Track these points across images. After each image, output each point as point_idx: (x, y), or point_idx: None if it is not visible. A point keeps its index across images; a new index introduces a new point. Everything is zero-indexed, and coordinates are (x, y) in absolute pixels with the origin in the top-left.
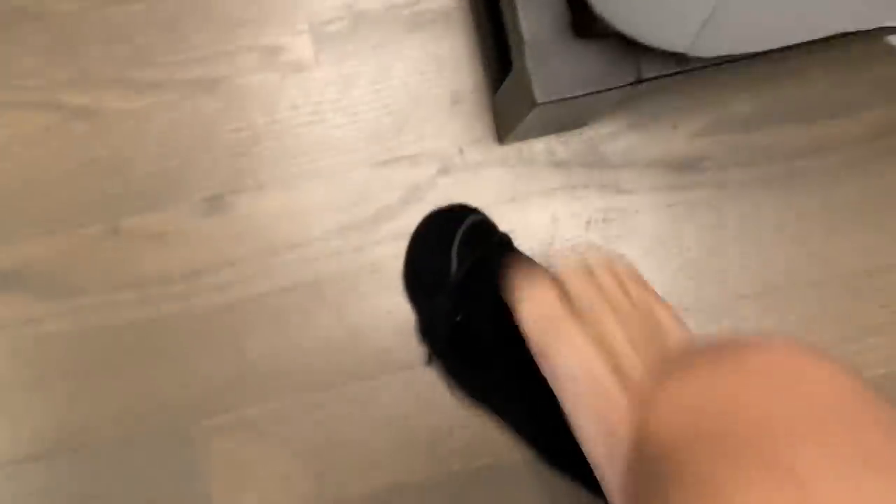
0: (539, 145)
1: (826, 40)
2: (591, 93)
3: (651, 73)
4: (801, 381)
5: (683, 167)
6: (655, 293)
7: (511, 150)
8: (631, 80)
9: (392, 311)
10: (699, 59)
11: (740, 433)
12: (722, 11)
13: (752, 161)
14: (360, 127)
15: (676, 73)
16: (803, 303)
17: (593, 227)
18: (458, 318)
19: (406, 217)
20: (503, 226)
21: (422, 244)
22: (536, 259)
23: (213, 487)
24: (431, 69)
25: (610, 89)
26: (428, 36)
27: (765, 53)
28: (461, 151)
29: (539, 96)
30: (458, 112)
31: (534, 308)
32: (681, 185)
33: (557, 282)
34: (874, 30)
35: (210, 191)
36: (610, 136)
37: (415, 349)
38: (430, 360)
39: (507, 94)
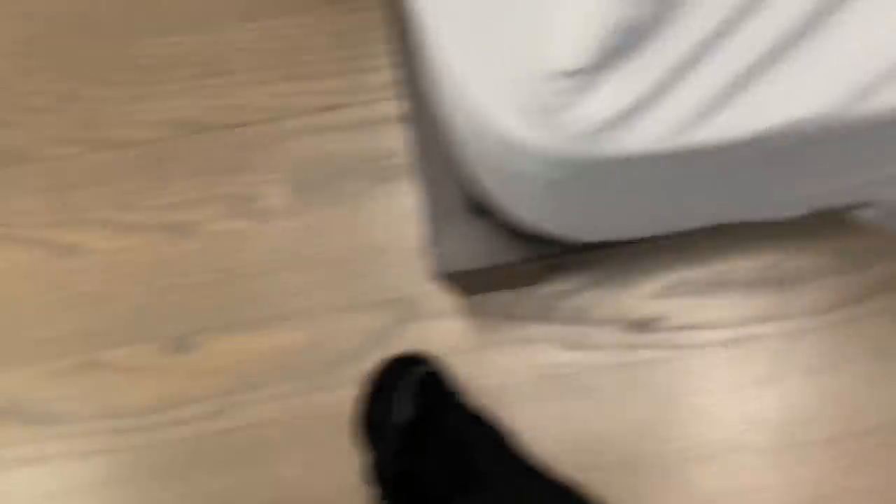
0: (496, 298)
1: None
2: (492, 266)
3: (541, 251)
4: None
5: (638, 326)
6: None
7: (473, 301)
8: (519, 258)
9: (350, 454)
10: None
11: None
12: (559, 213)
13: (707, 324)
14: (325, 273)
15: (569, 252)
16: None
17: (546, 382)
18: (403, 467)
19: (366, 362)
20: (458, 374)
21: (373, 391)
22: None
23: None
24: (398, 221)
25: (512, 264)
26: (395, 188)
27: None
28: (421, 301)
29: (439, 269)
30: (420, 263)
31: None
32: (635, 344)
33: None
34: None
35: (180, 329)
36: (565, 294)
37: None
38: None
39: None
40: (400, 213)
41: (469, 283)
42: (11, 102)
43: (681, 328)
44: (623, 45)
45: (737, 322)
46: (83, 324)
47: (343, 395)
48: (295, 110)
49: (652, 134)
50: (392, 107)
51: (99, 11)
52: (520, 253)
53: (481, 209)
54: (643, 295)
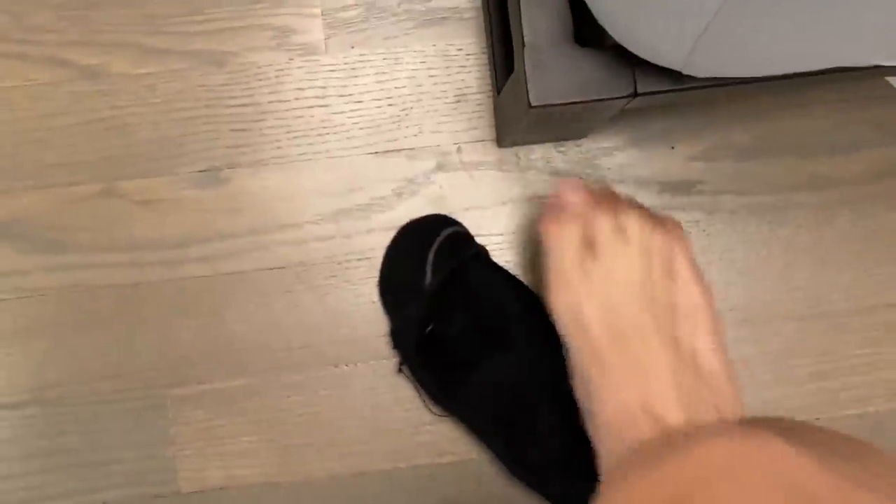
0: (537, 152)
1: (826, 75)
2: (586, 101)
3: (646, 88)
4: (748, 473)
5: (677, 188)
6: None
7: (509, 153)
8: (626, 93)
9: (376, 301)
10: (694, 78)
11: None
12: (715, 31)
13: (746, 189)
14: (361, 115)
15: (671, 91)
16: (783, 336)
17: None
18: (429, 329)
19: (398, 209)
20: (492, 229)
21: (398, 252)
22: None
23: (178, 454)
24: (438, 66)
25: (604, 99)
26: (438, 33)
27: (762, 80)
28: (459, 150)
29: (534, 99)
30: (461, 111)
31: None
32: (673, 206)
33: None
34: (872, 68)
35: (207, 163)
36: (608, 151)
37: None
38: (400, 368)
39: (507, 96)
40: (442, 59)
41: (527, 127)
42: None
43: (720, 192)
44: None
45: (776, 189)
46: (101, 151)
47: (373, 241)
48: None
49: None
50: None
51: None
52: (623, 88)
53: (585, 41)
54: (685, 157)
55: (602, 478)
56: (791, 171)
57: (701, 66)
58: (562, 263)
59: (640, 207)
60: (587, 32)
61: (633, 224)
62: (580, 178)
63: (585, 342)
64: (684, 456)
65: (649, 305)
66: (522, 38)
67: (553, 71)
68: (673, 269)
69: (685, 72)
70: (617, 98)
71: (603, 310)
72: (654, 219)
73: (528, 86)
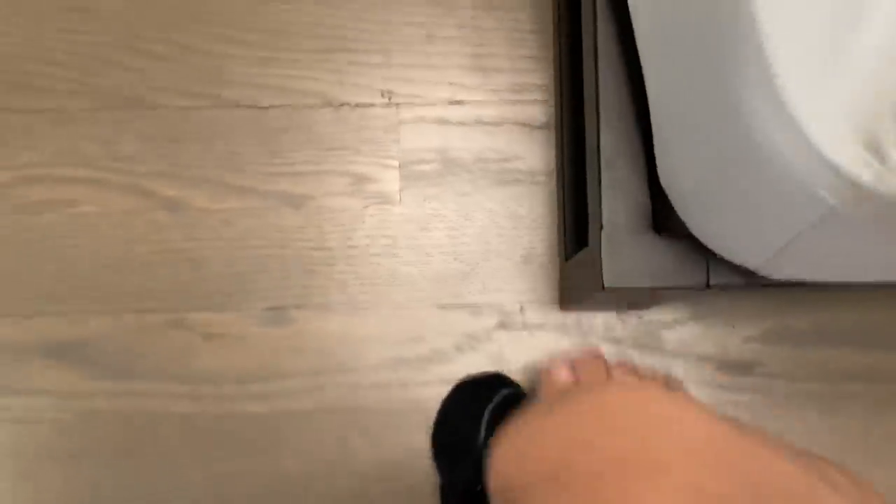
0: (599, 318)
1: None
2: (659, 288)
3: (719, 280)
4: (632, 417)
5: (734, 369)
6: None
7: (570, 317)
8: (699, 284)
9: (427, 453)
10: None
11: (571, 472)
12: (797, 245)
13: (801, 376)
14: (429, 268)
15: (744, 286)
16: None
17: None
18: (479, 488)
19: (457, 363)
20: None
21: (453, 408)
22: None
23: None
24: (507, 225)
25: (677, 287)
26: (511, 193)
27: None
28: (522, 309)
29: (608, 281)
30: (527, 271)
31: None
32: (729, 386)
33: None
34: None
35: (275, 301)
36: (668, 324)
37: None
38: None
39: (577, 266)
40: (513, 219)
41: (593, 298)
42: (130, 46)
43: (776, 376)
44: None
45: (831, 377)
46: (174, 281)
47: (429, 393)
48: (417, 98)
49: None
50: (524, 111)
51: None
52: (696, 279)
53: (661, 227)
54: (744, 338)
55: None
56: (848, 360)
57: (778, 271)
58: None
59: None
60: (664, 217)
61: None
62: (634, 348)
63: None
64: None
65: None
66: (601, 220)
67: (628, 255)
68: None
69: (761, 273)
70: (689, 288)
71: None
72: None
73: (604, 268)
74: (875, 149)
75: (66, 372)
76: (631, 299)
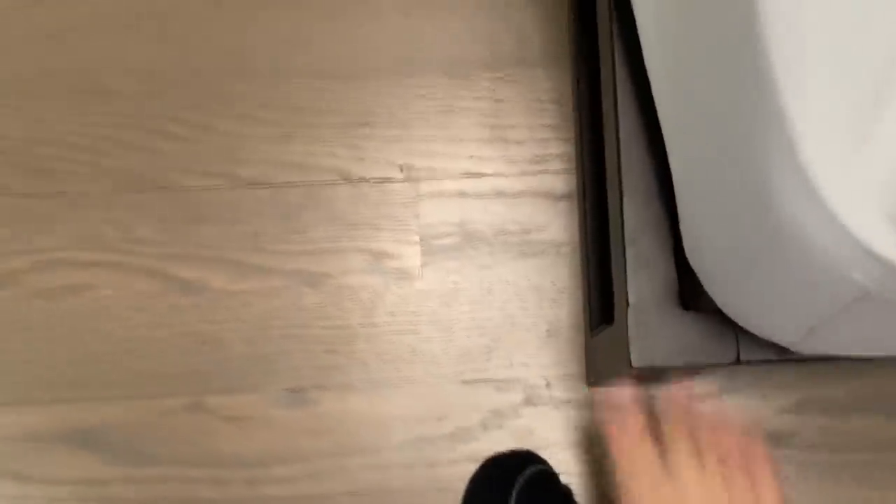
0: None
1: None
2: (689, 366)
3: (750, 357)
4: None
5: (768, 440)
6: None
7: (598, 393)
8: (729, 360)
9: None
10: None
11: None
12: (830, 325)
13: (837, 446)
14: (452, 343)
15: (776, 361)
16: None
17: None
18: None
19: (483, 441)
20: (579, 469)
21: (480, 487)
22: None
23: None
24: (532, 298)
25: (708, 365)
26: (533, 265)
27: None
28: (548, 385)
29: (636, 360)
30: (552, 345)
31: None
32: None
33: None
34: None
35: (296, 382)
36: (701, 398)
37: None
38: None
39: (603, 343)
40: (536, 292)
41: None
42: (145, 126)
43: (812, 446)
44: None
45: (867, 448)
46: (192, 364)
47: (455, 472)
48: (436, 172)
49: None
50: (545, 182)
51: (246, 43)
52: (726, 355)
53: (687, 304)
54: (778, 408)
55: None
56: (884, 430)
57: (811, 349)
58: (636, 485)
59: (721, 428)
60: (692, 292)
61: (712, 449)
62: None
63: None
64: None
65: None
66: (627, 297)
67: (656, 334)
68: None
69: (794, 349)
70: (720, 365)
71: None
72: (737, 445)
73: (631, 347)
74: None
75: (85, 459)
76: (659, 377)
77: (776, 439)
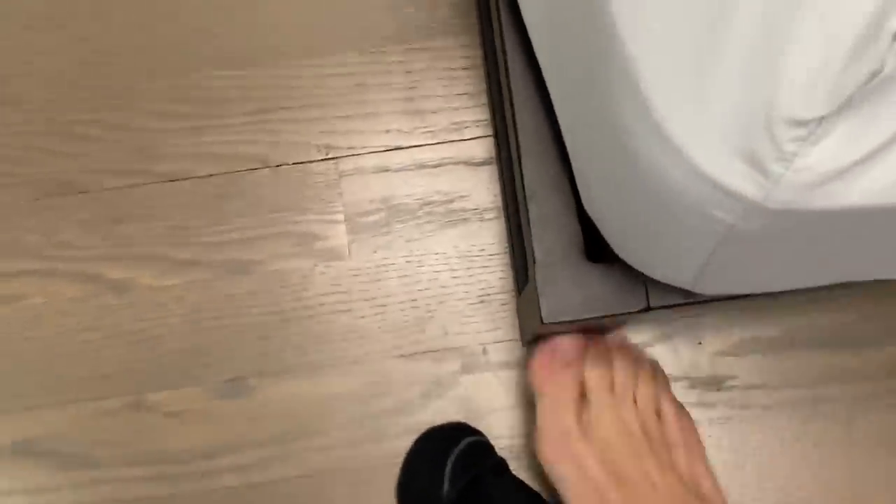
0: None
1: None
2: (599, 317)
3: (659, 302)
4: None
5: (707, 384)
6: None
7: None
8: (639, 307)
9: None
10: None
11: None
12: (716, 262)
13: (776, 384)
14: (386, 319)
15: (684, 304)
16: None
17: None
18: None
19: (425, 413)
20: (522, 429)
21: (416, 460)
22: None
23: None
24: (461, 266)
25: (616, 315)
26: (460, 233)
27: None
28: (485, 351)
29: (546, 316)
30: (485, 311)
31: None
32: (703, 402)
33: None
34: None
35: (235, 372)
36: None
37: None
38: None
39: (524, 303)
40: (465, 260)
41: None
42: (61, 131)
43: (751, 387)
44: (858, 96)
45: (806, 383)
46: (129, 364)
47: (403, 446)
48: (356, 149)
49: (873, 188)
50: (465, 149)
51: (154, 41)
52: (635, 303)
53: (595, 256)
54: (713, 352)
55: None
56: (820, 364)
57: (709, 288)
58: (557, 414)
59: (626, 352)
60: (597, 247)
61: (620, 375)
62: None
63: (589, 488)
64: None
65: (646, 445)
66: (534, 254)
67: (564, 288)
68: (660, 409)
69: (695, 290)
70: (629, 313)
71: (603, 455)
72: (637, 363)
73: (540, 302)
74: (756, 164)
75: (33, 468)
76: (579, 329)
77: (716, 383)
